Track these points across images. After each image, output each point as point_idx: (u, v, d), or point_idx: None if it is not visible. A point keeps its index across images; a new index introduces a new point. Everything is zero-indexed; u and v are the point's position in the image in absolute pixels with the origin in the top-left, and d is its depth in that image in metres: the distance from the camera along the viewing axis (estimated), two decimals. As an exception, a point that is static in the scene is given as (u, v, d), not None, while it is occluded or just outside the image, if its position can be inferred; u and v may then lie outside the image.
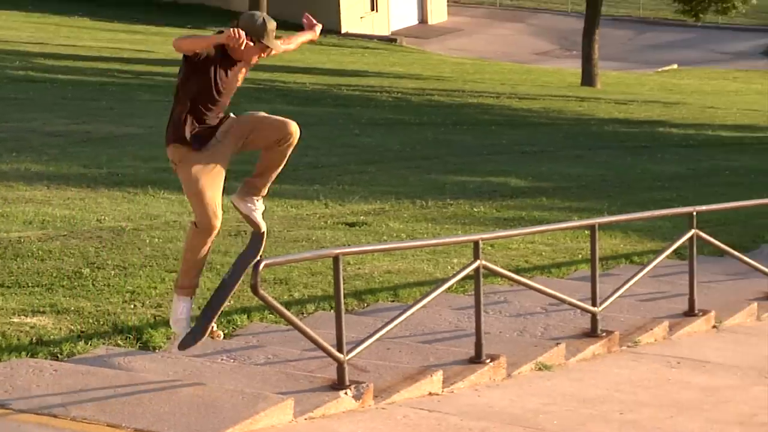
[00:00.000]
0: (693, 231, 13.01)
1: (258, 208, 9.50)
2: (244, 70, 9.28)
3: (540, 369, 11.00)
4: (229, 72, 9.11)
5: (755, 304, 13.64)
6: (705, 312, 12.93)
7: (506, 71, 49.12)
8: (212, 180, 9.15)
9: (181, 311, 9.45)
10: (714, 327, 12.95)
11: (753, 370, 11.37)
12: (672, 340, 12.37)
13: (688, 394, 10.55)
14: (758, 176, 23.80)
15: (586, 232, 12.57)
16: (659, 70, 56.10)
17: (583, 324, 12.03)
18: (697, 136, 30.79)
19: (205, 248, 9.40)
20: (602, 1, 44.92)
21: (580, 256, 15.32)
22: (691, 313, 12.86)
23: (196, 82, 9.02)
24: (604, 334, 11.83)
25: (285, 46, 9.40)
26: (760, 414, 10.05)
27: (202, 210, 9.16)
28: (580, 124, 32.58)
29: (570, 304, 12.03)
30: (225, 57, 9.06)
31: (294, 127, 9.28)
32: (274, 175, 9.54)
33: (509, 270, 12.43)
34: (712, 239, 13.67)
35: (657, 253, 13.43)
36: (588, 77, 44.37)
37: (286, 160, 9.41)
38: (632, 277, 12.62)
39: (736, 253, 14.20)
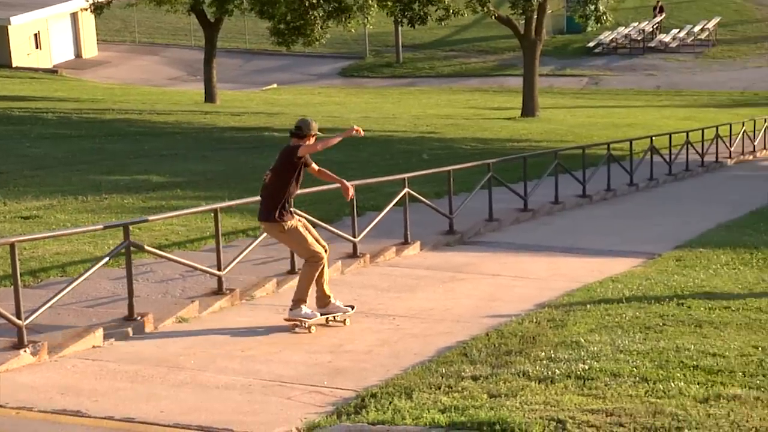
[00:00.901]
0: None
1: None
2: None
3: (180, 322, 10.92)
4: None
5: (339, 262, 13.93)
6: (303, 270, 13.10)
7: (146, 93, 48.21)
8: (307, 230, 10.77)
9: (304, 311, 10.67)
10: (310, 281, 13.11)
11: (339, 312, 11.57)
12: (279, 293, 12.50)
13: (292, 333, 10.67)
14: (338, 166, 24.06)
15: (212, 214, 12.50)
16: (263, 88, 56.32)
17: (212, 285, 12.01)
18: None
19: (316, 274, 10.74)
20: (217, 37, 44.87)
21: (208, 233, 15.25)
22: (292, 271, 13.00)
23: (296, 178, 10.60)
24: (228, 291, 11.86)
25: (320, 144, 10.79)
26: (345, 344, 10.28)
27: (310, 250, 10.64)
28: (205, 131, 32.35)
29: (201, 270, 12.00)
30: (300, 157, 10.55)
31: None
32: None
33: (154, 246, 12.26)
34: (305, 215, 13.69)
35: (266, 227, 13.49)
36: (210, 96, 44.14)
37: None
38: (248, 247, 12.66)
39: (324, 224, 14.44)
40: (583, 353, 9.34)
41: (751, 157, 32.01)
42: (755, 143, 32.73)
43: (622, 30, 64.42)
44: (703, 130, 29.36)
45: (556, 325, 10.54)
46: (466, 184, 19.20)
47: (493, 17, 40.29)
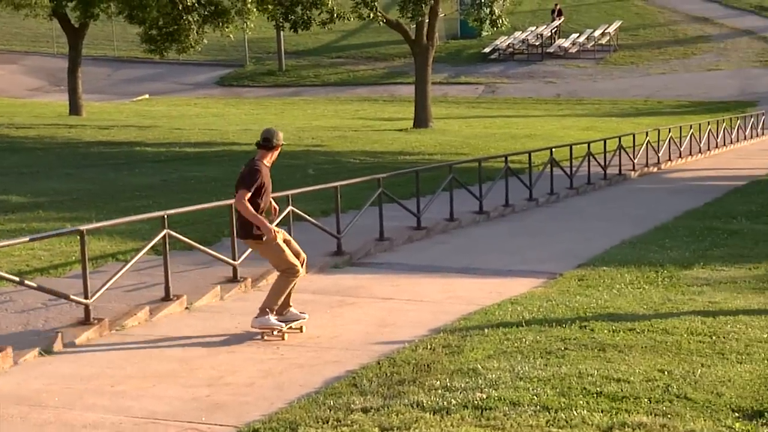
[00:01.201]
0: (165, 231, 13.04)
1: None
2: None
3: (43, 355, 10.75)
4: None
5: (219, 287, 13.86)
6: (179, 296, 13.02)
7: (4, 105, 47.40)
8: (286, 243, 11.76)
9: (272, 320, 11.61)
10: (186, 308, 13.04)
11: (219, 341, 11.54)
12: (153, 322, 12.38)
13: (167, 366, 10.58)
14: (217, 183, 24.13)
15: (78, 237, 12.33)
16: (134, 99, 55.89)
17: (78, 314, 11.86)
18: (167, 153, 30.90)
19: (290, 287, 11.75)
20: (82, 44, 44.35)
21: (74, 257, 15.04)
22: (167, 298, 12.91)
23: (259, 195, 11.46)
24: (96, 321, 11.71)
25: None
26: (225, 376, 10.22)
27: (287, 262, 11.62)
28: (70, 147, 31.93)
29: (66, 298, 11.82)
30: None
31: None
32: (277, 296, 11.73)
33: (13, 274, 12.03)
34: (181, 237, 13.75)
35: (137, 251, 13.37)
36: (75, 108, 43.63)
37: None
38: (117, 272, 12.51)
39: (202, 247, 14.36)
40: (480, 381, 9.42)
41: (655, 170, 32.69)
42: (660, 154, 33.43)
43: (519, 35, 65.43)
44: (605, 140, 29.88)
45: (452, 352, 10.62)
46: (355, 200, 19.26)
47: (380, 23, 40.51)
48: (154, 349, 11.21)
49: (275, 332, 11.69)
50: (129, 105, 52.85)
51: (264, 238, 11.55)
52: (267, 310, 11.67)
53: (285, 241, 11.82)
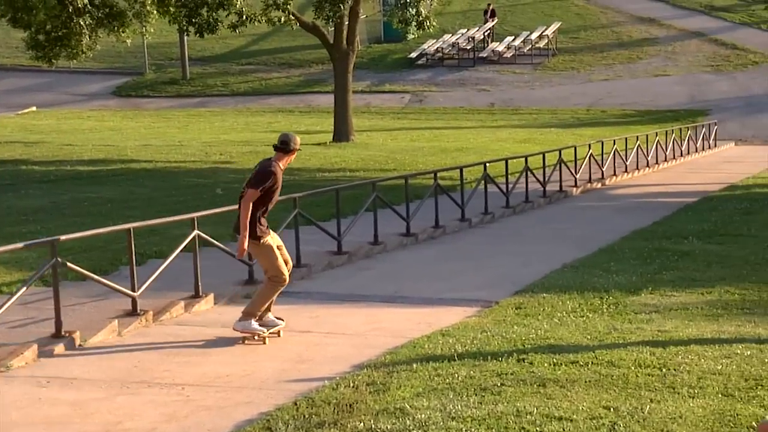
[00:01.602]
0: (55, 259, 12.93)
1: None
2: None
3: None
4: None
5: (116, 322, 13.74)
6: (71, 333, 12.91)
7: None
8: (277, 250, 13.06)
9: (254, 325, 12.99)
10: (80, 345, 12.92)
11: (116, 382, 11.44)
12: (41, 361, 12.25)
13: (59, 410, 10.48)
14: (114, 205, 24.01)
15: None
16: (19, 112, 55.37)
17: (-43, 355, 11.69)
18: (58, 172, 30.66)
19: (275, 295, 13.17)
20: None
21: (-49, 290, 14.86)
22: (58, 335, 12.79)
23: (267, 198, 12.82)
24: (-23, 362, 11.57)
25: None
26: (124, 421, 10.14)
27: (277, 269, 12.96)
28: (-53, 166, 31.61)
29: (-57, 337, 11.67)
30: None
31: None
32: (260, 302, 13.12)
33: None
34: (73, 266, 13.63)
35: (24, 282, 13.24)
36: (-48, 122, 43.23)
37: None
38: (1, 307, 12.37)
39: (96, 277, 14.25)
40: (408, 422, 9.44)
41: (599, 185, 33.01)
42: (604, 169, 33.76)
43: (449, 38, 65.82)
44: (544, 154, 30.12)
45: (377, 390, 10.64)
46: (269, 223, 19.19)
47: (293, 27, 40.45)
48: (44, 391, 11.09)
49: (256, 337, 12.97)
50: (13, 118, 52.34)
51: (261, 241, 12.86)
52: (249, 315, 12.98)
53: (278, 247, 13.11)
